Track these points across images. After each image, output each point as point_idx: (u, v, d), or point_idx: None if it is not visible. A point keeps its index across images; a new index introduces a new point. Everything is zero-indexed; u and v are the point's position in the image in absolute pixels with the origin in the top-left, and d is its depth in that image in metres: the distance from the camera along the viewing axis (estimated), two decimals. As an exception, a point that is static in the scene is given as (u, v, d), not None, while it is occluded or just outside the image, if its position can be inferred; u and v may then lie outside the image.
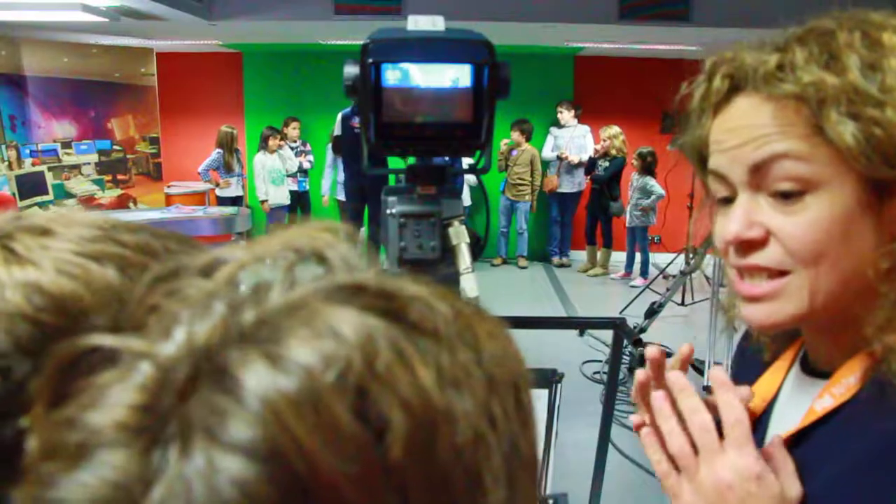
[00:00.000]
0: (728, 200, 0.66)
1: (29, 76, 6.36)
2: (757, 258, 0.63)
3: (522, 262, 7.94)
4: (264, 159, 7.14)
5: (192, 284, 0.28)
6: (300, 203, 7.57)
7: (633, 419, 0.75)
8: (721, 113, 0.65)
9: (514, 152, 7.57)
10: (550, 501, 1.53)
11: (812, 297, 0.62)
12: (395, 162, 1.47)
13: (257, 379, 0.24)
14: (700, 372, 3.90)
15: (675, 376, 0.69)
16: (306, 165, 7.60)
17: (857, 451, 0.61)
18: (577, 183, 7.66)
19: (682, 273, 4.84)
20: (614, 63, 8.08)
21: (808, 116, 0.59)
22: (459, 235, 1.36)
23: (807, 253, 0.61)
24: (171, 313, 0.27)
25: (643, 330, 4.63)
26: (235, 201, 7.23)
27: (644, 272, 7.07)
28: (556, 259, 8.01)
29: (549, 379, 1.59)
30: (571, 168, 7.57)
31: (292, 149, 7.48)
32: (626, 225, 7.19)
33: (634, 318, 4.74)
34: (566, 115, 7.59)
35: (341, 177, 6.71)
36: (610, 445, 1.89)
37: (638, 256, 7.21)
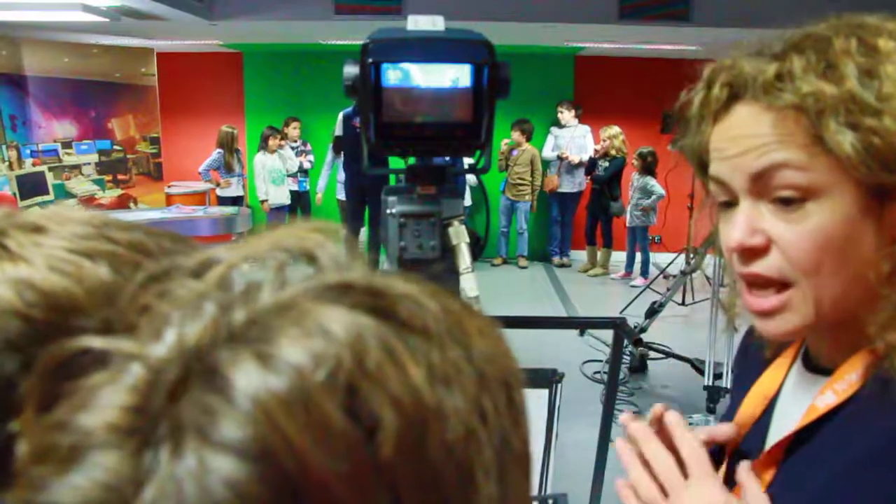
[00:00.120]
0: (729, 204, 0.66)
1: (29, 76, 6.36)
2: (759, 266, 0.64)
3: (523, 262, 7.94)
4: (264, 159, 7.14)
5: (182, 285, 0.28)
6: (300, 203, 7.58)
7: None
8: (721, 120, 0.65)
9: (515, 152, 7.57)
10: (550, 501, 1.53)
11: (817, 305, 0.63)
12: (395, 162, 1.47)
13: (248, 378, 0.24)
14: (701, 372, 3.91)
15: (634, 427, 0.73)
16: (307, 165, 7.60)
17: (860, 447, 0.62)
18: (577, 183, 7.66)
19: (683, 273, 4.84)
20: (614, 63, 8.08)
21: (808, 126, 0.59)
22: (459, 235, 1.36)
23: (808, 262, 0.61)
24: (162, 314, 0.27)
25: (644, 330, 4.63)
26: (236, 201, 7.23)
27: (644, 272, 7.07)
28: (556, 259, 8.01)
29: (549, 379, 1.59)
30: (572, 168, 7.57)
31: (293, 149, 7.48)
32: (627, 225, 7.19)
33: (635, 317, 4.74)
34: (567, 115, 7.59)
35: (341, 176, 6.71)
36: (610, 445, 1.88)
37: (638, 256, 7.21)
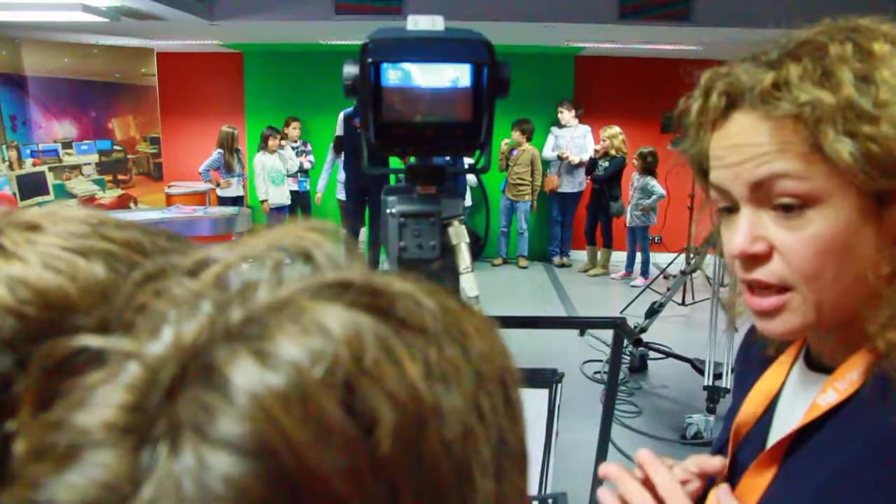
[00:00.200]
0: (730, 209, 0.67)
1: (29, 76, 6.36)
2: (760, 273, 0.64)
3: (523, 262, 7.94)
4: (264, 159, 7.14)
5: (179, 284, 0.28)
6: (300, 203, 7.58)
7: None
8: (719, 128, 0.66)
9: (515, 152, 7.57)
10: (550, 501, 1.53)
11: (818, 307, 0.63)
12: (395, 161, 1.47)
13: (246, 375, 0.24)
14: (701, 372, 3.91)
15: (614, 473, 0.77)
16: (307, 165, 7.60)
17: (861, 445, 0.62)
18: (577, 183, 7.66)
19: (683, 273, 4.84)
20: (615, 63, 8.08)
21: (806, 135, 0.60)
22: (459, 235, 1.36)
23: (809, 268, 0.62)
24: (159, 312, 0.27)
25: (644, 330, 4.63)
26: (236, 201, 7.24)
27: (644, 272, 7.07)
28: (556, 259, 8.02)
29: (549, 379, 1.59)
30: (572, 168, 7.57)
31: (293, 149, 7.49)
32: (627, 225, 7.20)
33: (635, 317, 4.74)
34: (567, 115, 7.59)
35: (342, 176, 6.72)
36: (610, 445, 1.88)
37: (638, 256, 7.21)
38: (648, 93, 7.44)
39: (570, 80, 8.26)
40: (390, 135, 1.24)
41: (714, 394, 3.74)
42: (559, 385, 1.60)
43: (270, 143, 7.14)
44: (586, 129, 7.62)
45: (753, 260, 0.64)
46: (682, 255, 5.79)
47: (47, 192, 6.57)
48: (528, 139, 7.53)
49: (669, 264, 6.11)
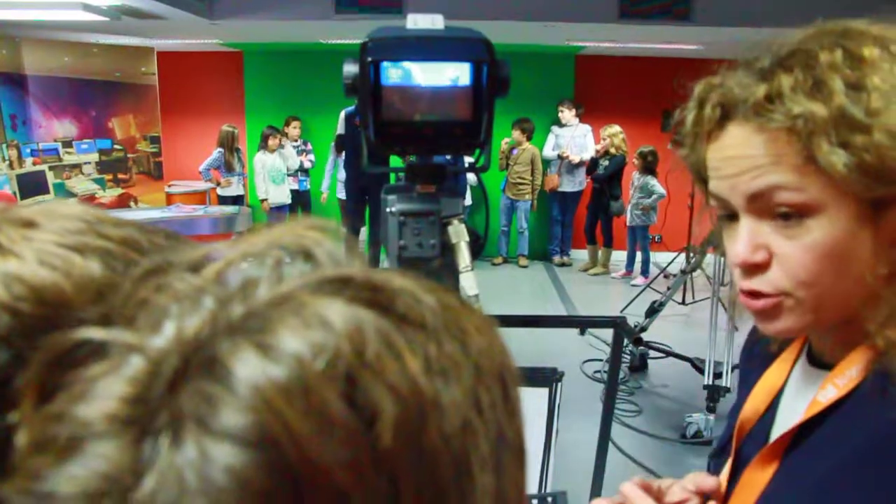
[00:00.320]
0: (731, 217, 0.67)
1: (30, 75, 6.36)
2: (758, 283, 0.65)
3: (523, 262, 7.94)
4: (264, 158, 7.14)
5: (181, 279, 0.28)
6: (301, 202, 7.58)
7: None
8: (715, 139, 0.66)
9: (515, 151, 7.57)
10: (550, 499, 1.53)
11: (815, 310, 0.64)
12: (395, 160, 1.47)
13: (248, 368, 0.24)
14: (701, 371, 3.91)
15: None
16: (307, 165, 7.60)
17: (860, 441, 0.63)
18: (577, 182, 7.66)
19: (683, 272, 4.84)
20: (615, 62, 8.08)
21: (800, 147, 0.60)
22: (459, 234, 1.37)
23: (808, 275, 0.63)
24: (161, 307, 0.27)
25: (644, 329, 4.63)
26: (237, 200, 7.24)
27: (645, 271, 7.07)
28: (556, 258, 8.02)
29: (549, 378, 1.59)
30: (572, 167, 7.57)
31: (293, 148, 7.49)
32: (627, 224, 7.19)
33: (635, 316, 4.74)
34: (567, 115, 7.59)
35: (342, 175, 6.71)
36: (610, 444, 1.89)
37: (639, 255, 7.21)
38: (649, 92, 7.43)
39: (571, 80, 8.26)
40: (390, 133, 1.24)
41: (714, 393, 3.74)
42: (559, 384, 1.60)
43: (270, 142, 7.15)
44: (587, 128, 7.62)
45: (753, 268, 0.65)
46: (683, 255, 5.79)
47: (47, 192, 6.57)
48: (529, 138, 7.53)
49: (669, 263, 6.10)
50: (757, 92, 0.62)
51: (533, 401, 1.57)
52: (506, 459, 0.30)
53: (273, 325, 0.25)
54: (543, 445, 1.58)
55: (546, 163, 7.74)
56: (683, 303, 5.87)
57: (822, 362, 0.71)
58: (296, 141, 7.59)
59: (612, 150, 7.14)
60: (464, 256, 1.36)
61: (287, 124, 7.57)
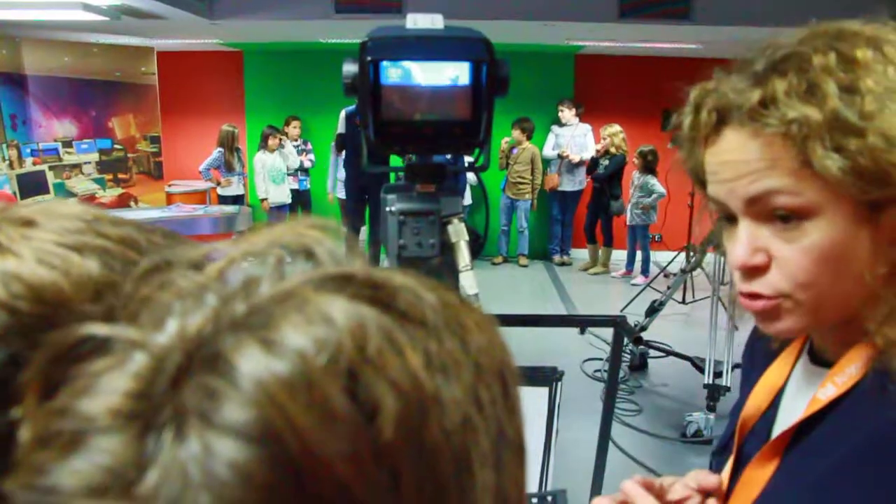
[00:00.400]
0: (731, 219, 0.68)
1: (30, 75, 6.36)
2: (758, 286, 0.66)
3: (523, 261, 7.94)
4: (264, 158, 7.14)
5: (184, 277, 0.28)
6: (301, 202, 7.58)
7: None
8: (712, 144, 0.67)
9: (515, 150, 7.57)
10: (549, 498, 1.53)
11: (814, 310, 0.65)
12: (395, 160, 1.47)
13: (251, 363, 0.24)
14: (701, 370, 3.91)
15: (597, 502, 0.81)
16: (307, 164, 7.60)
17: (859, 438, 0.63)
18: (578, 181, 7.66)
19: (683, 271, 4.84)
20: (615, 61, 8.07)
21: (795, 152, 0.60)
22: (459, 233, 1.37)
23: (807, 277, 0.63)
24: (164, 304, 0.27)
25: (644, 328, 4.63)
26: (237, 200, 7.24)
27: (645, 270, 7.07)
28: (556, 257, 8.02)
29: (549, 377, 1.59)
30: (572, 167, 7.57)
31: (294, 147, 7.48)
32: (627, 223, 7.19)
33: (635, 316, 4.74)
34: (567, 114, 7.59)
35: (342, 174, 6.71)
36: (610, 443, 1.89)
37: (639, 255, 7.21)
38: (649, 91, 7.42)
39: (571, 79, 8.26)
40: (390, 133, 1.24)
41: (714, 392, 3.74)
42: (559, 383, 1.60)
43: (270, 142, 7.14)
44: (587, 127, 7.62)
45: (753, 271, 0.66)
46: (683, 254, 5.79)
47: (47, 191, 6.57)
48: (529, 138, 7.53)
49: (670, 263, 6.10)
50: (751, 97, 0.62)
51: (533, 400, 1.57)
52: (506, 456, 0.30)
53: (276, 321, 0.26)
54: (543, 445, 1.58)
55: (546, 162, 7.74)
56: (683, 302, 5.87)
57: (823, 360, 0.72)
58: (296, 140, 7.59)
59: (613, 150, 7.14)
60: (463, 255, 1.36)
61: (287, 124, 7.57)
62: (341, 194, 6.89)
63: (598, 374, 4.51)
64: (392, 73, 1.20)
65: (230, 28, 6.21)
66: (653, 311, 4.68)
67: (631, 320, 2.87)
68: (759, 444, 0.74)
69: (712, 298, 4.03)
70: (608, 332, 2.00)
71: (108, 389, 0.25)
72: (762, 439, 0.74)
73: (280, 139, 7.26)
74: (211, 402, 0.24)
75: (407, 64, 1.20)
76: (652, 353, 4.68)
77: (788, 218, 0.63)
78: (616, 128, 7.16)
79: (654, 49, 7.31)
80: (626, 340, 1.89)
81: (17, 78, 6.26)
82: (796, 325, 0.66)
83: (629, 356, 4.64)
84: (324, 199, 7.38)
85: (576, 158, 7.49)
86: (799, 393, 0.74)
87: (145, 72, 7.30)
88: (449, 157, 1.56)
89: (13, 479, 0.25)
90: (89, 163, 6.91)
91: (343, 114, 6.10)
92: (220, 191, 7.32)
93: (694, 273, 5.05)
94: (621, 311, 5.24)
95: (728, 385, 3.71)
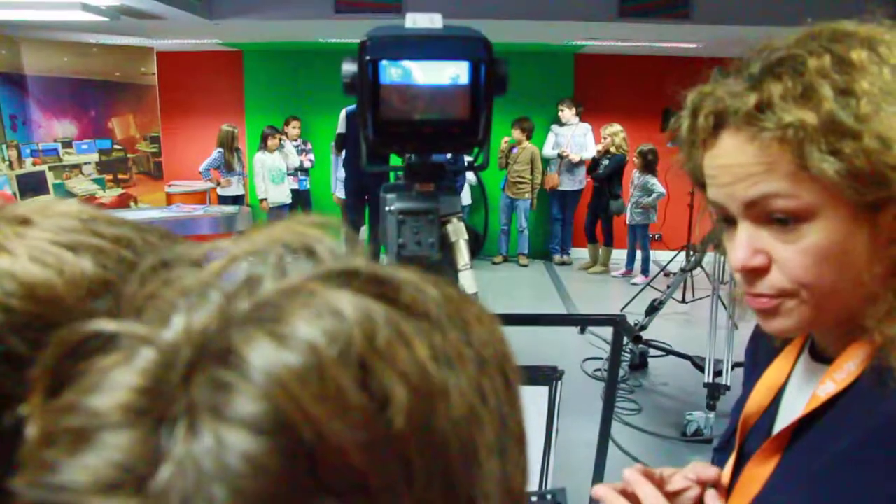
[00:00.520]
0: (731, 221, 0.68)
1: (29, 75, 6.35)
2: (761, 287, 0.66)
3: (523, 260, 7.94)
4: (264, 158, 7.14)
5: (186, 275, 0.29)
6: (301, 201, 7.57)
7: None
8: (710, 147, 0.67)
9: (515, 150, 7.57)
10: (549, 496, 1.53)
11: (815, 310, 0.65)
12: (395, 159, 1.47)
13: (263, 356, 0.25)
14: (701, 369, 3.91)
15: (602, 493, 0.81)
16: (307, 164, 7.59)
17: (858, 434, 0.64)
18: (577, 181, 7.66)
19: (683, 270, 4.84)
20: (615, 61, 8.07)
21: (792, 155, 0.61)
22: (458, 232, 1.37)
23: (807, 278, 0.64)
24: (168, 302, 0.27)
25: (644, 327, 4.63)
26: (237, 200, 7.24)
27: (645, 270, 7.07)
28: (556, 257, 8.02)
29: (549, 376, 1.59)
30: (572, 166, 7.57)
31: (293, 147, 7.48)
32: (627, 222, 7.19)
33: (635, 315, 4.74)
34: (567, 114, 7.59)
35: (341, 174, 6.71)
36: (610, 442, 1.89)
37: (639, 254, 7.21)
38: (649, 90, 7.42)
39: (571, 78, 8.25)
40: (389, 132, 1.24)
41: (714, 391, 3.74)
42: (559, 382, 1.60)
43: (270, 142, 7.14)
44: (587, 127, 7.62)
45: (754, 273, 0.66)
46: (683, 253, 5.79)
47: (47, 192, 6.56)
48: (528, 137, 7.53)
49: (669, 262, 6.10)
50: (748, 101, 0.63)
51: (533, 399, 1.57)
52: (509, 446, 0.31)
53: (285, 315, 0.26)
54: (544, 444, 1.58)
55: (546, 162, 7.74)
56: (683, 301, 5.87)
57: (824, 357, 0.72)
58: (295, 140, 7.59)
59: (613, 150, 7.13)
60: (463, 255, 1.36)
61: (287, 124, 7.57)
62: (341, 193, 6.89)
63: (598, 374, 4.51)
64: (391, 72, 1.20)
65: (230, 28, 6.21)
66: (653, 310, 4.69)
67: (631, 319, 2.88)
68: (760, 441, 0.74)
69: (712, 297, 4.03)
70: (608, 332, 2.00)
71: (116, 385, 0.25)
72: (763, 436, 0.75)
73: (280, 139, 7.26)
74: (223, 396, 0.24)
75: (406, 63, 1.20)
76: (652, 352, 4.68)
77: (787, 220, 0.63)
78: (616, 127, 7.16)
79: (654, 48, 7.31)
80: (626, 340, 1.89)
81: (16, 78, 6.26)
82: (797, 323, 0.67)
83: (629, 355, 4.64)
84: (324, 199, 7.38)
85: (576, 158, 7.49)
86: (800, 390, 0.74)
87: (145, 72, 7.30)
88: (448, 156, 1.56)
89: (20, 476, 0.25)
90: (89, 163, 6.91)
91: (343, 113, 6.10)
92: (219, 191, 7.32)
93: (694, 272, 5.05)
94: (621, 310, 5.24)
95: (728, 384, 3.71)
